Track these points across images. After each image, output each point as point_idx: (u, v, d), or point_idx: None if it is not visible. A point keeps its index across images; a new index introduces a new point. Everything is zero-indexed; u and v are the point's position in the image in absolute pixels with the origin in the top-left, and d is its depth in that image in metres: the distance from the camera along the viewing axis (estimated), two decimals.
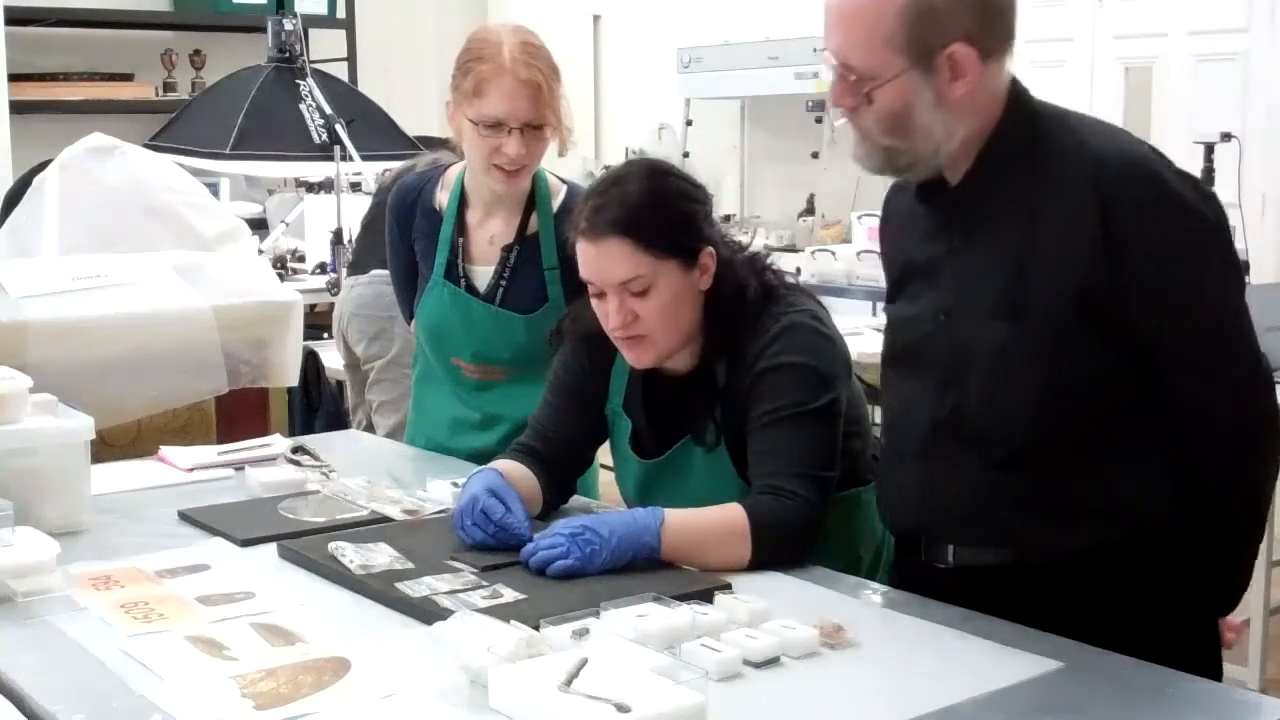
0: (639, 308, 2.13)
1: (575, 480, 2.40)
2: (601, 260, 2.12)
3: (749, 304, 2.18)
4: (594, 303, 2.18)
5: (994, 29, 1.84)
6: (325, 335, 4.77)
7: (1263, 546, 3.71)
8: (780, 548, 2.03)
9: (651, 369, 2.25)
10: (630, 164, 2.24)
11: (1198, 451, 1.86)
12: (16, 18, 6.70)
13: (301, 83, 5.24)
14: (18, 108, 6.57)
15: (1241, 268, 1.92)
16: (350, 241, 4.99)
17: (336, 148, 4.96)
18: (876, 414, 2.24)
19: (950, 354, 1.92)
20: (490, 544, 2.05)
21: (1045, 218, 1.83)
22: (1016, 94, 1.90)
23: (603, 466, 2.55)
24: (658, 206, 2.14)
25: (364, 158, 5.03)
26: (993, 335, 1.86)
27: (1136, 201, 1.79)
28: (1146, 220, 1.79)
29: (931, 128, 1.84)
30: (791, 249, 6.68)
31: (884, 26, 1.79)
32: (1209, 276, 1.84)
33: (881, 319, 6.83)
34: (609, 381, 2.32)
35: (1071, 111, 1.94)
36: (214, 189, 5.57)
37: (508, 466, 2.25)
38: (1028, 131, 1.88)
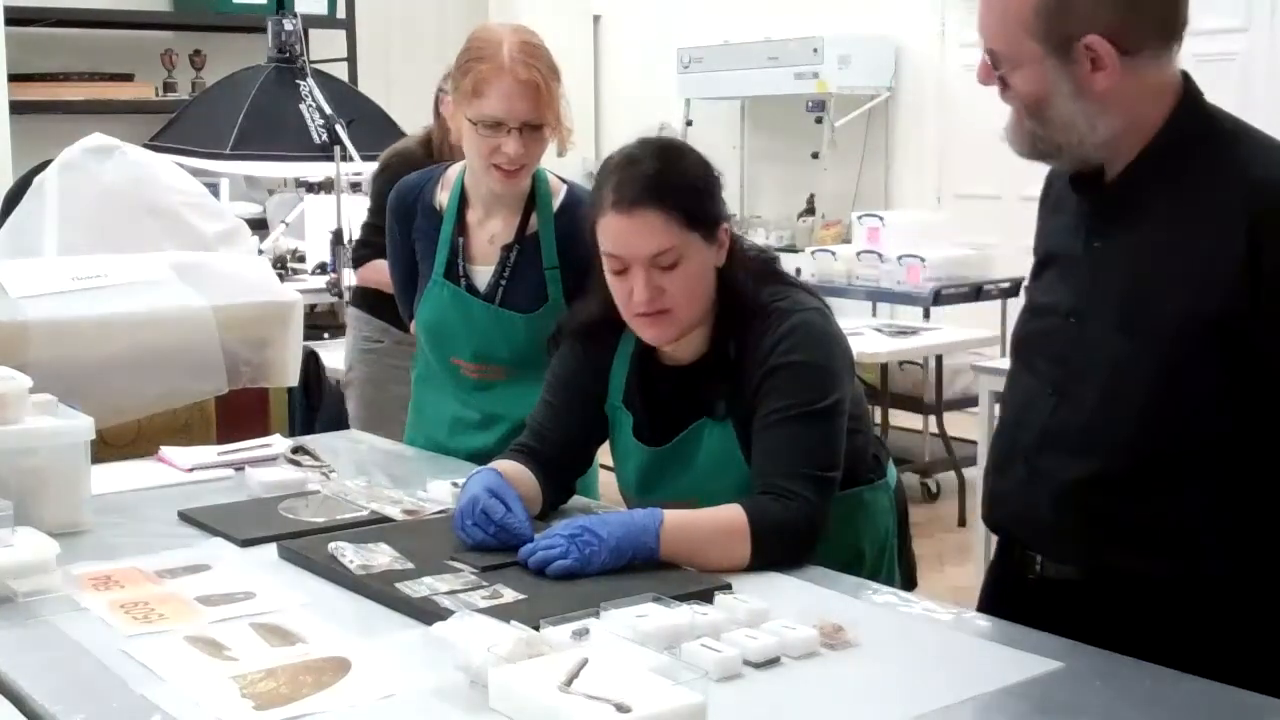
0: (665, 282, 2.12)
1: (575, 480, 2.39)
2: (634, 231, 2.10)
3: (757, 285, 2.19)
4: (614, 282, 2.15)
5: (1139, 24, 1.78)
6: (325, 335, 4.77)
7: None
8: (781, 548, 2.03)
9: (651, 361, 2.26)
10: (644, 142, 2.21)
11: None
12: (16, 18, 6.71)
13: (301, 83, 5.24)
14: (18, 108, 6.58)
15: None
16: (350, 242, 4.99)
17: (336, 148, 4.96)
18: (876, 414, 2.24)
19: (1071, 359, 1.88)
20: (491, 544, 2.05)
21: (1190, 234, 1.78)
22: (1188, 98, 1.84)
23: (602, 467, 2.55)
24: (684, 178, 2.14)
25: (364, 158, 5.02)
26: (1115, 348, 1.82)
27: None
28: None
29: (1072, 119, 1.81)
30: (791, 249, 6.69)
31: (1021, 12, 1.79)
32: None
33: (881, 320, 6.84)
34: (608, 379, 2.32)
35: (1247, 128, 1.86)
36: (214, 189, 5.56)
37: (507, 467, 2.24)
38: (1190, 140, 1.82)
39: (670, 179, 2.12)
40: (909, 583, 2.40)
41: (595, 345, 2.30)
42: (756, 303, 2.18)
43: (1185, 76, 1.85)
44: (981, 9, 1.85)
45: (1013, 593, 1.96)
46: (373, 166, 5.28)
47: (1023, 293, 2.09)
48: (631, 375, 2.29)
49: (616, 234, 2.12)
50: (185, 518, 2.34)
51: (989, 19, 1.84)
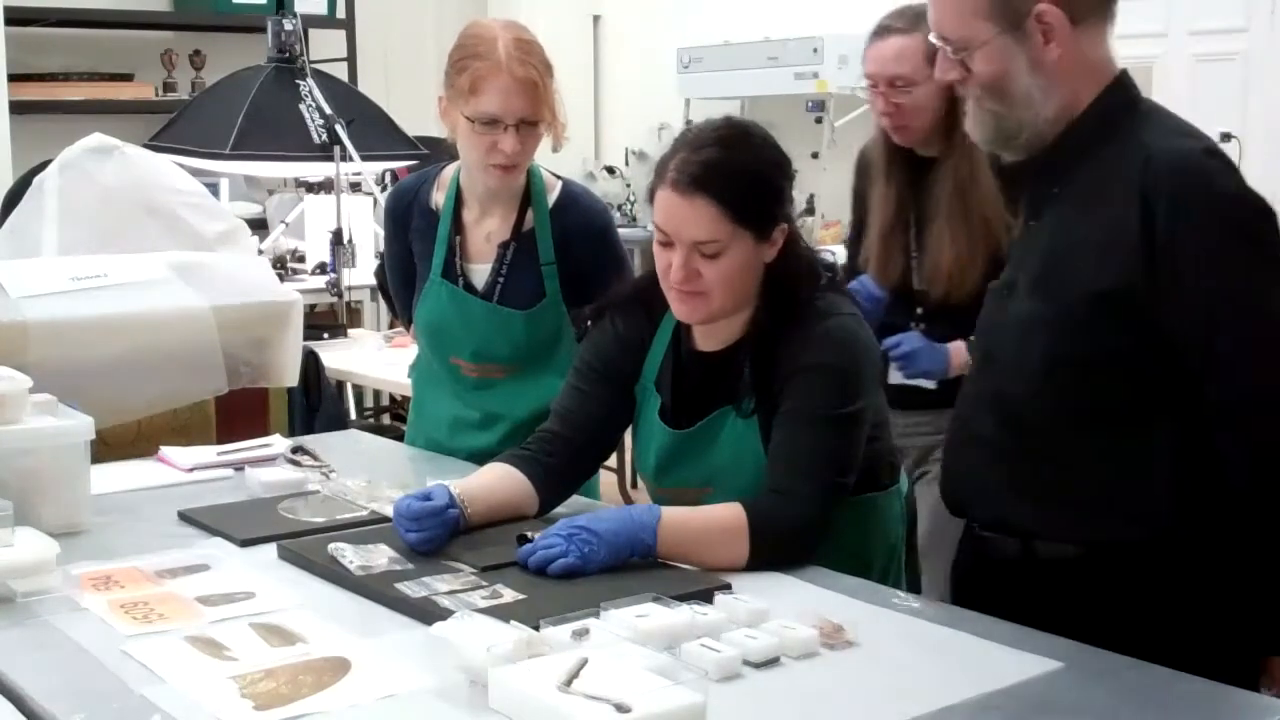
0: (704, 268, 2.11)
1: (597, 464, 2.39)
2: (685, 215, 2.10)
3: (805, 286, 2.19)
4: (658, 250, 2.16)
5: None
6: (325, 335, 4.76)
7: None
8: (779, 549, 2.03)
9: (685, 346, 2.26)
10: (728, 122, 2.21)
11: (1224, 453, 1.82)
12: (16, 18, 6.69)
13: (301, 83, 5.23)
14: (18, 108, 6.56)
15: None
16: (350, 242, 4.98)
17: (336, 148, 4.95)
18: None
19: (995, 326, 1.98)
20: (429, 536, 2.06)
21: (1096, 208, 1.86)
22: (1119, 82, 1.92)
23: (604, 467, 2.55)
24: (753, 175, 2.14)
25: (364, 158, 5.02)
26: (1024, 312, 1.91)
27: (1176, 200, 1.78)
28: (1185, 219, 1.78)
29: (1030, 93, 1.88)
30: None
31: None
32: (1249, 279, 1.80)
33: None
34: (643, 357, 2.30)
35: (1163, 110, 1.94)
36: (214, 189, 5.55)
37: (488, 474, 2.24)
38: (1112, 120, 1.89)
39: (733, 171, 2.11)
40: (914, 590, 2.39)
41: (639, 318, 2.29)
42: (797, 301, 2.18)
43: (1123, 71, 1.93)
44: (931, 5, 1.93)
45: (977, 566, 2.02)
46: (373, 166, 5.25)
47: None
48: (665, 359, 2.29)
49: (668, 211, 2.12)
50: (185, 518, 2.34)
51: (940, 11, 1.91)
